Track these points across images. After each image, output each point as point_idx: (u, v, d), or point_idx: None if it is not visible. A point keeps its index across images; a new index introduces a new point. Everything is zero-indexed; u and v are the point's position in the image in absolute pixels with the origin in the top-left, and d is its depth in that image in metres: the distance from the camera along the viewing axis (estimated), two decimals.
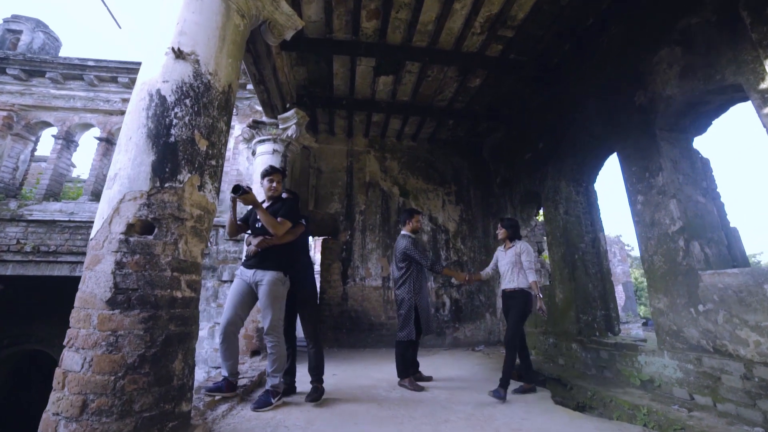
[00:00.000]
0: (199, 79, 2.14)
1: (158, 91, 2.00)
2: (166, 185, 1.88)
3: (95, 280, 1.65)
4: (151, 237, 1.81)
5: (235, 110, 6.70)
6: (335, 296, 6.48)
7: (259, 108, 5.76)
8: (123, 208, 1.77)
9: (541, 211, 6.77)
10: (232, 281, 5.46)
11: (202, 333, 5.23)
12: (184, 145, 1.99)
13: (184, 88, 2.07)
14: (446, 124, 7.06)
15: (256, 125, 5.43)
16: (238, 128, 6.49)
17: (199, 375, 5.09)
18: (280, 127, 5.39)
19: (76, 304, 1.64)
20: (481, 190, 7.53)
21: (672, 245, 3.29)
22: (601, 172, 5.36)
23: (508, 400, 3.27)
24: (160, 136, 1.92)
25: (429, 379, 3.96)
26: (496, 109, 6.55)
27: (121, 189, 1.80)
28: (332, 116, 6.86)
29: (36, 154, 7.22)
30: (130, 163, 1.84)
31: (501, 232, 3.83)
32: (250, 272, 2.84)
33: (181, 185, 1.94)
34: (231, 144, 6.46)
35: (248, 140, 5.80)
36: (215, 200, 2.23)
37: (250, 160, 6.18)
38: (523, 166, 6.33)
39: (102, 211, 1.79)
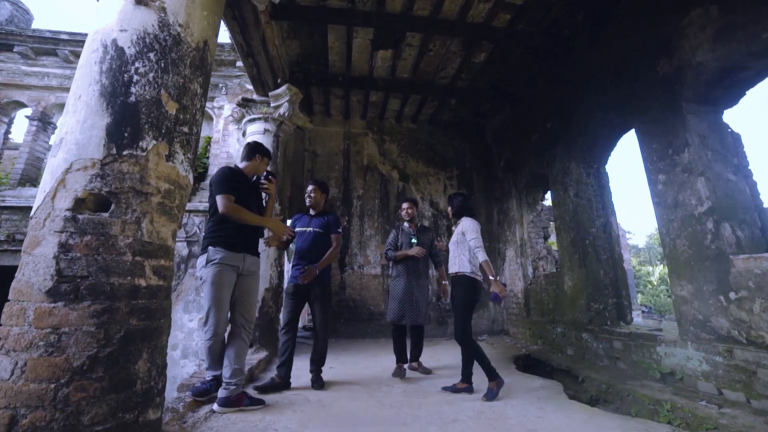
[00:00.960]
0: (166, 30, 1.81)
1: (114, 41, 1.67)
2: (125, 153, 1.57)
3: (33, 267, 1.35)
4: (106, 214, 1.50)
5: (224, 89, 6.33)
6: (332, 285, 6.22)
7: (250, 87, 5.40)
8: (70, 179, 1.46)
9: (547, 195, 6.49)
10: None
11: (192, 324, 4.97)
12: (147, 106, 1.67)
13: (147, 40, 1.73)
14: (448, 103, 6.69)
15: (245, 103, 5.07)
16: (227, 108, 6.13)
17: (190, 368, 4.86)
18: (272, 105, 5.03)
19: (9, 296, 1.35)
20: (484, 175, 7.22)
21: (698, 227, 3.01)
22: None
23: (518, 395, 3.04)
24: (116, 94, 1.60)
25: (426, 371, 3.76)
26: (501, 87, 6.19)
27: (67, 157, 1.48)
28: (328, 96, 6.48)
29: (15, 141, 6.83)
30: (79, 126, 1.52)
31: (449, 210, 3.40)
32: (239, 257, 2.51)
33: (144, 153, 1.63)
34: (220, 125, 6.11)
35: (238, 120, 5.46)
36: (189, 174, 1.92)
37: (240, 141, 5.83)
38: (529, 148, 6.01)
39: (44, 183, 1.48)
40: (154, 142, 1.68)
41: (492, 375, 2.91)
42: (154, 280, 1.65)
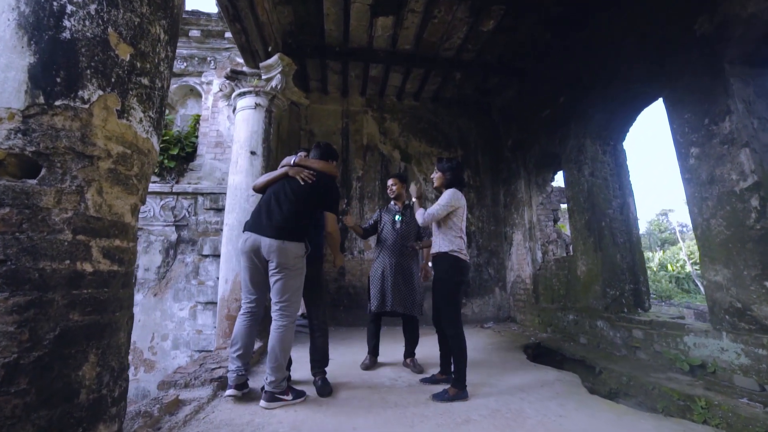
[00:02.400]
0: None
1: None
2: (58, 104, 1.23)
3: None
4: (33, 181, 1.18)
5: (212, 63, 5.90)
6: (331, 271, 5.93)
7: (241, 60, 4.98)
8: None
9: (556, 177, 6.15)
10: (213, 255, 4.88)
11: (183, 314, 4.70)
12: (89, 47, 1.32)
13: None
14: (453, 78, 6.27)
15: (234, 75, 4.67)
16: (216, 84, 5.71)
17: (182, 359, 4.61)
18: (263, 77, 4.63)
19: None
20: (490, 155, 6.85)
21: (740, 205, 2.69)
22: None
23: (534, 389, 2.77)
24: (43, 27, 1.24)
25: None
26: (509, 60, 5.76)
27: None
28: (325, 71, 6.05)
29: None
30: None
31: (436, 177, 2.82)
32: None
33: (86, 106, 1.29)
34: (209, 102, 5.71)
35: (228, 96, 5.04)
36: (152, 137, 1.58)
37: (231, 119, 5.45)
38: (539, 126, 5.63)
39: None
40: (101, 92, 1.33)
41: (461, 382, 2.55)
42: (105, 265, 1.33)
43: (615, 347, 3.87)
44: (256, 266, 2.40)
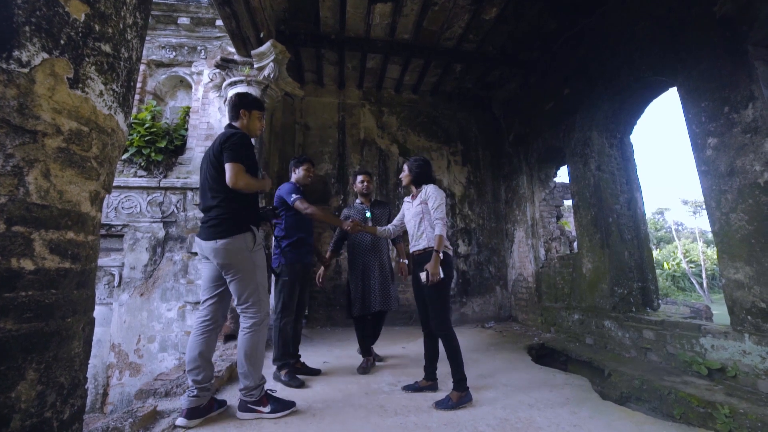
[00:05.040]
0: None
1: None
2: None
3: None
4: None
5: (203, 53, 5.65)
6: (328, 269, 5.72)
7: (233, 49, 4.74)
8: None
9: (559, 172, 5.97)
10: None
11: (171, 314, 4.47)
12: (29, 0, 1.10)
13: None
14: (453, 70, 6.06)
15: (225, 64, 4.44)
16: (206, 74, 5.46)
17: (170, 362, 4.39)
18: (255, 66, 4.41)
19: None
20: (491, 150, 6.66)
21: (764, 199, 2.51)
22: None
23: (543, 394, 2.59)
24: None
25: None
26: (512, 52, 5.56)
27: None
28: (320, 62, 5.82)
29: None
30: None
31: (404, 177, 2.81)
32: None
33: (26, 70, 1.07)
34: (200, 93, 5.46)
35: (218, 86, 4.81)
36: (118, 114, 1.36)
37: (222, 111, 5.21)
38: (542, 119, 5.45)
39: None
40: (46, 55, 1.11)
41: (462, 383, 2.39)
42: (53, 262, 1.12)
43: (624, 348, 3.70)
44: (215, 266, 2.09)
